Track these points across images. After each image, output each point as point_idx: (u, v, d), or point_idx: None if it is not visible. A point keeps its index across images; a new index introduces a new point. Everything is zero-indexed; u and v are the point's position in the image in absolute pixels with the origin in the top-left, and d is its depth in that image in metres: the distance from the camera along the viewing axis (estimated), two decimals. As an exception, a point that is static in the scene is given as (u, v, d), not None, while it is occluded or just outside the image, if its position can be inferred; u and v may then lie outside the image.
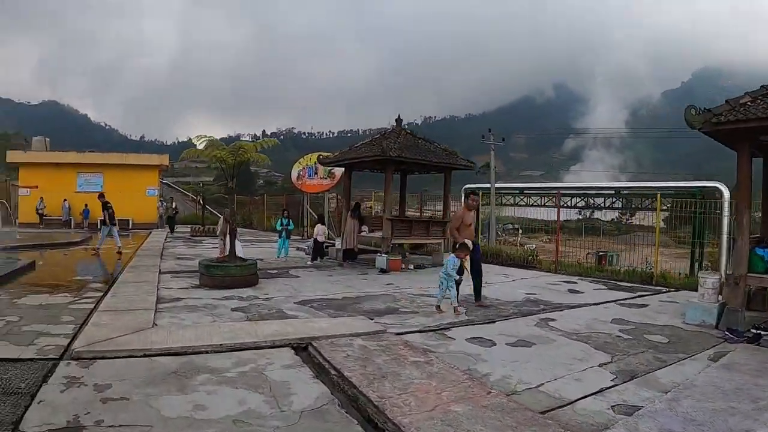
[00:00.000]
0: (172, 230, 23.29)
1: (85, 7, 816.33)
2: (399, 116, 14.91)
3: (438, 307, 7.95)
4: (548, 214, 29.46)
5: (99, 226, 18.34)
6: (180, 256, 15.69)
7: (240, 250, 11.35)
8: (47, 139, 32.77)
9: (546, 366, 5.44)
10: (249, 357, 5.51)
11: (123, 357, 5.40)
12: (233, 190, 11.78)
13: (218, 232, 14.74)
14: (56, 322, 7.25)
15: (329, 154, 17.09)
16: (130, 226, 27.51)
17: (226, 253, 10.91)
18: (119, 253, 15.29)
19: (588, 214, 34.83)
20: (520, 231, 28.09)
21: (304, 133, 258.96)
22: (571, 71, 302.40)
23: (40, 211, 27.65)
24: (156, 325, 6.79)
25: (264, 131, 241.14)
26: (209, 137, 11.33)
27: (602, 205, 31.46)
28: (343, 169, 16.75)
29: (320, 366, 5.25)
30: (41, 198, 28.02)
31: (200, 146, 11.32)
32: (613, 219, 37.21)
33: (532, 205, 33.24)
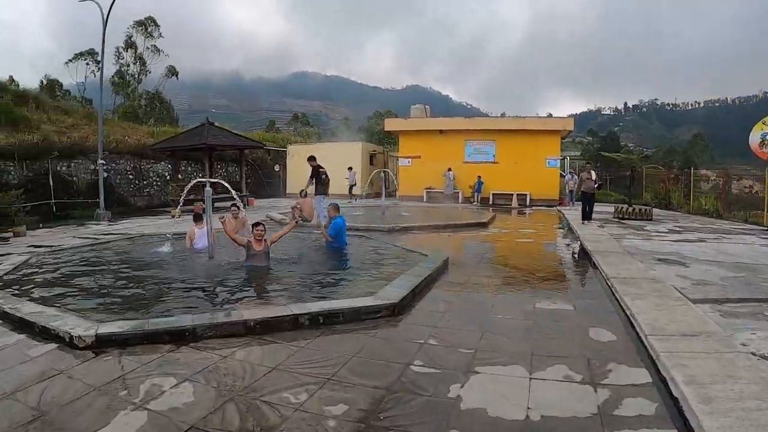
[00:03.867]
0: (586, 214, 15.08)
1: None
2: None
3: None
4: None
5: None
6: (663, 258, 8.61)
7: None
8: (427, 107, 30.45)
9: None
10: None
11: None
12: None
13: None
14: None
15: None
16: (528, 203, 22.75)
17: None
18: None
19: None
20: None
21: (668, 105, 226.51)
22: None
23: (350, 184, 25.13)
24: None
25: (625, 104, 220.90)
26: None
27: None
28: None
29: None
30: (350, 168, 25.43)
31: None
32: None
33: None
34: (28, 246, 10.17)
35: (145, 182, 21.23)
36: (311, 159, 12.76)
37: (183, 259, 8.41)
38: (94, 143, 19.45)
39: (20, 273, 7.26)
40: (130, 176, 20.65)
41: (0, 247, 10.13)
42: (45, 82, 34.69)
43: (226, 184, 8.52)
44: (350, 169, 25.08)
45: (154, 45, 40.69)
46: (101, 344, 4.41)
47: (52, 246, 9.95)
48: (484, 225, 14.13)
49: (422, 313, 5.50)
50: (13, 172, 15.33)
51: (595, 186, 15.47)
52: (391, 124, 28.58)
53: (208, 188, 7.99)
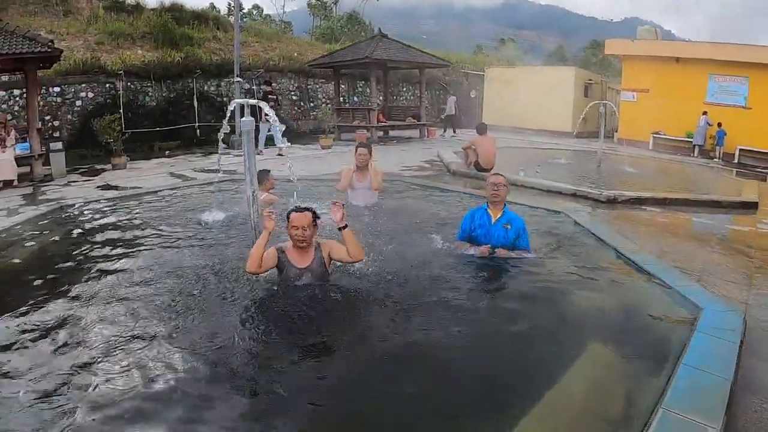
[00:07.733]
0: None
1: None
2: None
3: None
4: None
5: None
6: None
7: None
8: (657, 29, 23.70)
9: None
10: None
11: None
12: None
13: None
14: None
15: None
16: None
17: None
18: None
19: None
20: None
21: None
22: None
23: (448, 114, 19.77)
24: None
25: None
26: None
27: None
28: None
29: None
30: (452, 94, 20.56)
31: None
32: None
33: None
34: (98, 187, 8.02)
35: (312, 104, 18.83)
36: (266, 83, 14.24)
37: (221, 243, 5.01)
38: (255, 61, 17.42)
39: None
40: (294, 97, 18.39)
41: (67, 186, 8.17)
42: (232, 4, 34.99)
43: (266, 108, 4.68)
44: (452, 94, 20.65)
45: (351, -36, 38.35)
46: None
47: (123, 189, 7.62)
48: (752, 206, 8.08)
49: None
50: (151, 93, 13.86)
51: None
52: (613, 47, 22.10)
53: (245, 118, 4.31)
